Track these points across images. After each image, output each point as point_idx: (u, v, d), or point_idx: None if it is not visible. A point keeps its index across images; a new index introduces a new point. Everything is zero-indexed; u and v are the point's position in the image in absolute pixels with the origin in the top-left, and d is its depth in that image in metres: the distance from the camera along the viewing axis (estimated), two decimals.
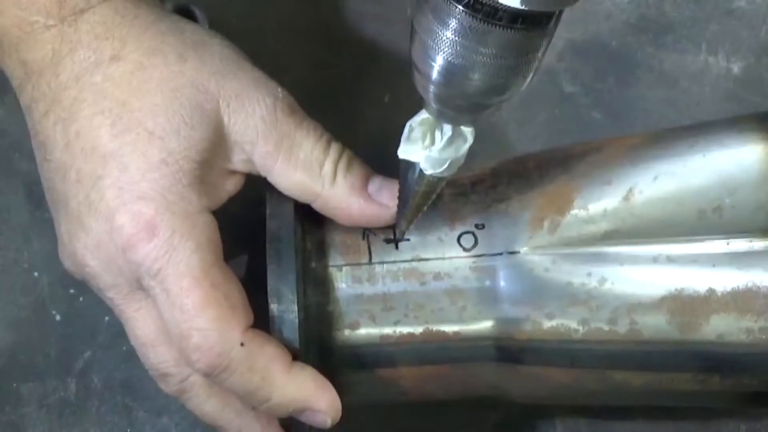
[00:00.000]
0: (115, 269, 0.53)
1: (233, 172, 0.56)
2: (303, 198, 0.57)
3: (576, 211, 0.55)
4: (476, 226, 0.57)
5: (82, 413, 0.67)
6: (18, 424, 0.67)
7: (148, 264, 0.52)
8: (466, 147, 0.52)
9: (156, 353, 0.55)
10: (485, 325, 0.56)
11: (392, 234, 0.57)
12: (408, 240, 0.56)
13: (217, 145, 0.55)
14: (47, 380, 0.67)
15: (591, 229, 0.55)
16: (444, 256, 0.56)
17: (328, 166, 0.56)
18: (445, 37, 0.45)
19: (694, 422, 0.69)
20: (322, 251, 0.57)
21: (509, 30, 0.44)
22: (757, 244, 0.54)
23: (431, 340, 0.56)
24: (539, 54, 0.47)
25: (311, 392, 0.53)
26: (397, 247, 0.56)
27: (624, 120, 0.72)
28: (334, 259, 0.56)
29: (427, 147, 0.51)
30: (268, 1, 0.73)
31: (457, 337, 0.56)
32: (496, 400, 0.61)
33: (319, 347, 0.56)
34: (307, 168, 0.56)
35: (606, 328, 0.54)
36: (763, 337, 0.53)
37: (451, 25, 0.45)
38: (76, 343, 0.68)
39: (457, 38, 0.45)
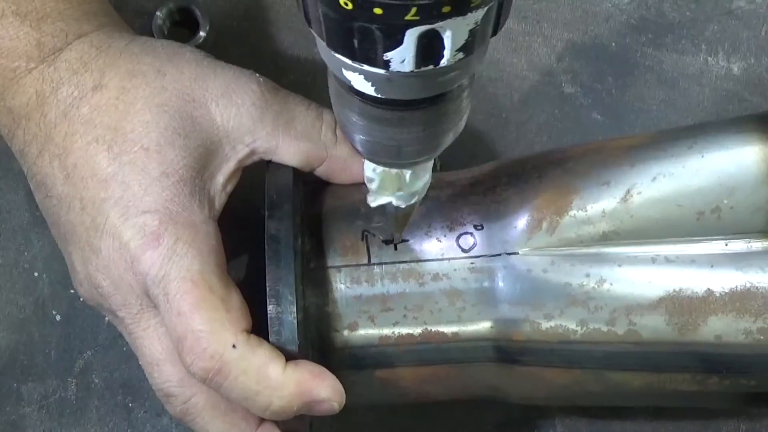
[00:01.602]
0: (125, 287, 0.54)
1: (234, 171, 0.57)
2: (310, 165, 0.59)
3: (574, 212, 0.55)
4: (475, 227, 0.57)
5: (82, 413, 0.67)
6: (18, 424, 0.67)
7: (154, 272, 0.53)
8: (410, 186, 0.51)
9: (161, 372, 0.56)
10: (484, 326, 0.56)
11: (391, 235, 0.57)
12: (407, 241, 0.57)
13: (213, 150, 0.56)
14: (47, 380, 0.67)
15: (589, 230, 0.55)
16: (443, 257, 0.56)
17: (325, 130, 0.58)
18: (353, 119, 0.46)
19: (694, 422, 0.69)
20: (320, 252, 0.57)
21: (402, 111, 0.44)
22: (756, 245, 0.54)
23: (430, 341, 0.56)
24: (450, 118, 0.46)
25: (310, 385, 0.53)
26: (395, 248, 0.56)
27: (623, 121, 0.72)
28: (333, 260, 0.57)
29: (397, 190, 0.52)
30: (269, 3, 0.73)
31: (456, 337, 0.56)
32: (496, 401, 0.61)
33: (318, 348, 0.56)
34: (307, 136, 0.58)
35: (604, 328, 0.54)
36: (761, 337, 0.53)
37: (354, 109, 0.45)
38: (76, 343, 0.68)
39: (360, 121, 0.45)
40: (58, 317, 0.68)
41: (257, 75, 0.58)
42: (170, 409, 0.57)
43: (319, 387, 0.54)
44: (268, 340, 0.53)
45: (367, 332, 0.56)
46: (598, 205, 0.55)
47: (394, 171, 0.50)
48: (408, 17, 0.36)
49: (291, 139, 0.57)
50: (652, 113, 0.72)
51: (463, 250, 0.56)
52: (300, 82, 0.71)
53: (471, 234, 0.57)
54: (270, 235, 0.55)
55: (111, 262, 0.54)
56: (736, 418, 0.68)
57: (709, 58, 0.73)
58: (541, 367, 0.56)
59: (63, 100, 0.55)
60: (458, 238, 0.57)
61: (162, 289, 0.53)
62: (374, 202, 0.53)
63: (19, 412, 0.67)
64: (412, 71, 0.39)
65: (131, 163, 0.54)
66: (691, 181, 0.55)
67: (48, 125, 0.55)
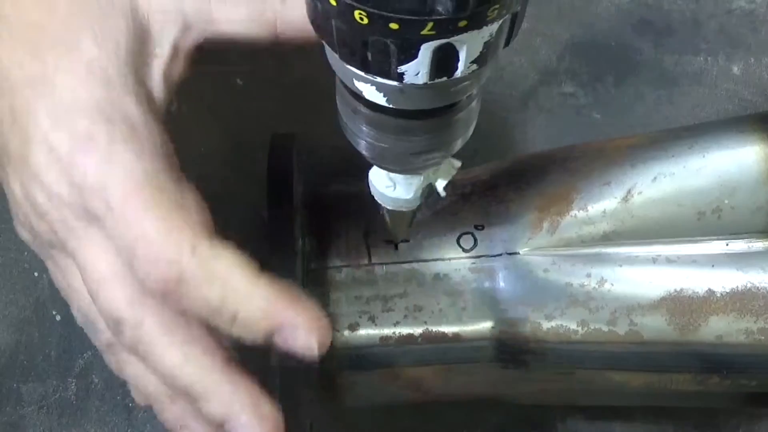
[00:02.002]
0: (60, 199, 0.48)
1: (171, 55, 0.51)
2: (264, 34, 0.51)
3: (575, 212, 0.55)
4: (476, 227, 0.57)
5: (82, 413, 0.67)
6: (18, 424, 0.67)
7: (91, 180, 0.47)
8: (415, 189, 0.51)
9: (106, 293, 0.48)
10: (485, 326, 0.56)
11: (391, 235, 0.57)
12: (407, 241, 0.57)
13: (141, 36, 0.50)
14: (48, 380, 0.67)
15: (590, 230, 0.55)
16: (443, 257, 0.56)
17: None
18: (360, 127, 0.45)
19: (694, 422, 0.69)
20: (321, 252, 0.57)
21: (412, 120, 0.43)
22: (756, 245, 0.54)
23: (431, 341, 0.56)
24: (460, 126, 0.45)
25: (285, 303, 0.47)
26: (396, 248, 0.56)
27: (623, 120, 0.72)
28: (334, 261, 0.57)
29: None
30: None
31: (457, 338, 0.56)
32: (497, 401, 0.61)
33: None
34: None
35: (605, 329, 0.54)
36: (762, 337, 0.53)
37: (362, 118, 0.44)
38: (76, 344, 0.68)
39: (369, 129, 0.45)
40: (58, 317, 0.68)
41: None
42: (120, 340, 0.49)
43: (296, 311, 0.47)
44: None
45: (367, 332, 0.56)
46: (598, 205, 0.55)
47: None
48: (424, 32, 0.36)
49: (227, 4, 0.50)
50: (652, 113, 0.73)
51: (464, 250, 0.56)
52: (303, 79, 0.71)
53: (472, 234, 0.57)
54: (271, 236, 0.55)
55: (42, 172, 0.48)
56: (737, 418, 0.68)
57: (709, 57, 0.73)
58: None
59: None
60: (459, 237, 0.57)
61: (103, 199, 0.47)
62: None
63: (19, 412, 0.67)
64: (425, 83, 0.39)
65: (54, 63, 0.48)
66: (691, 181, 0.55)
67: None
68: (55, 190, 0.48)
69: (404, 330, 0.56)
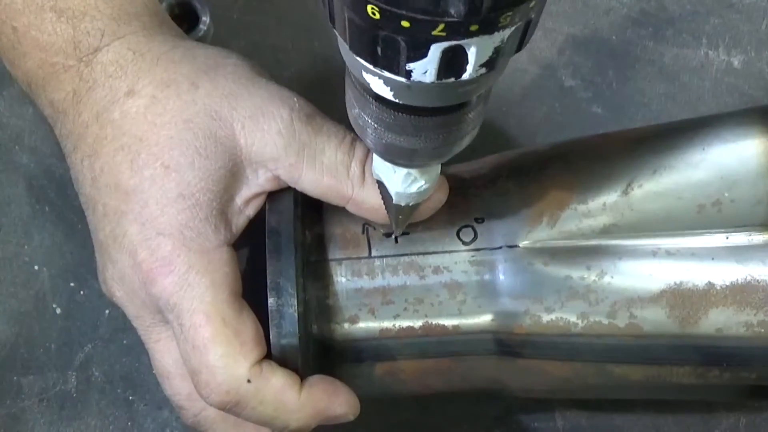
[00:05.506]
0: (138, 301, 0.55)
1: (254, 195, 0.56)
2: (336, 202, 0.56)
3: (575, 205, 0.55)
4: (476, 219, 0.57)
5: (82, 406, 0.67)
6: (19, 417, 0.67)
7: (166, 298, 0.53)
8: (420, 184, 0.51)
9: (171, 385, 0.57)
10: (484, 319, 0.56)
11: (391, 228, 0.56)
12: (407, 234, 0.56)
13: (235, 172, 0.54)
14: (48, 373, 0.67)
15: (590, 222, 0.55)
16: (443, 249, 0.56)
17: (354, 166, 0.55)
18: (367, 121, 0.45)
19: (694, 415, 0.69)
20: (321, 245, 0.57)
21: (419, 117, 0.44)
22: (757, 238, 0.54)
23: (431, 334, 0.56)
24: (466, 125, 0.46)
25: (326, 404, 0.54)
26: (396, 241, 0.56)
27: (624, 114, 0.72)
28: (334, 253, 0.57)
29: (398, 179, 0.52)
30: None
31: (457, 330, 0.56)
32: (496, 394, 0.61)
33: (318, 341, 0.56)
34: (333, 172, 0.55)
35: (605, 321, 0.54)
36: (762, 330, 0.53)
37: (370, 113, 0.45)
38: (76, 337, 0.68)
39: (376, 123, 0.45)
40: (58, 310, 0.68)
41: (295, 99, 0.56)
42: (183, 419, 0.58)
43: (334, 405, 0.54)
44: (269, 333, 0.54)
45: (367, 325, 0.56)
46: (598, 197, 0.55)
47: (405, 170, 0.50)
48: (435, 32, 0.36)
49: (315, 173, 0.55)
50: (653, 107, 0.73)
51: (464, 243, 0.56)
52: (300, 75, 0.71)
53: (472, 227, 0.57)
54: (271, 228, 0.55)
55: (125, 277, 0.54)
56: (737, 411, 0.68)
57: (709, 51, 0.73)
58: (541, 360, 0.56)
59: (96, 101, 0.54)
60: (459, 230, 0.57)
61: (176, 316, 0.53)
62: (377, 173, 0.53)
63: (20, 405, 0.67)
64: (433, 82, 0.39)
65: (151, 179, 0.53)
66: (691, 174, 0.55)
67: (81, 124, 0.55)
68: (135, 294, 0.55)
69: (404, 323, 0.56)
